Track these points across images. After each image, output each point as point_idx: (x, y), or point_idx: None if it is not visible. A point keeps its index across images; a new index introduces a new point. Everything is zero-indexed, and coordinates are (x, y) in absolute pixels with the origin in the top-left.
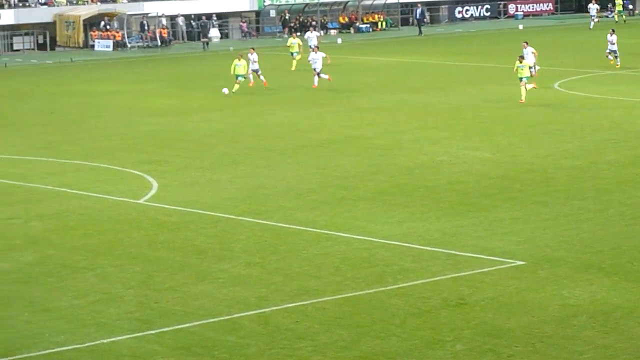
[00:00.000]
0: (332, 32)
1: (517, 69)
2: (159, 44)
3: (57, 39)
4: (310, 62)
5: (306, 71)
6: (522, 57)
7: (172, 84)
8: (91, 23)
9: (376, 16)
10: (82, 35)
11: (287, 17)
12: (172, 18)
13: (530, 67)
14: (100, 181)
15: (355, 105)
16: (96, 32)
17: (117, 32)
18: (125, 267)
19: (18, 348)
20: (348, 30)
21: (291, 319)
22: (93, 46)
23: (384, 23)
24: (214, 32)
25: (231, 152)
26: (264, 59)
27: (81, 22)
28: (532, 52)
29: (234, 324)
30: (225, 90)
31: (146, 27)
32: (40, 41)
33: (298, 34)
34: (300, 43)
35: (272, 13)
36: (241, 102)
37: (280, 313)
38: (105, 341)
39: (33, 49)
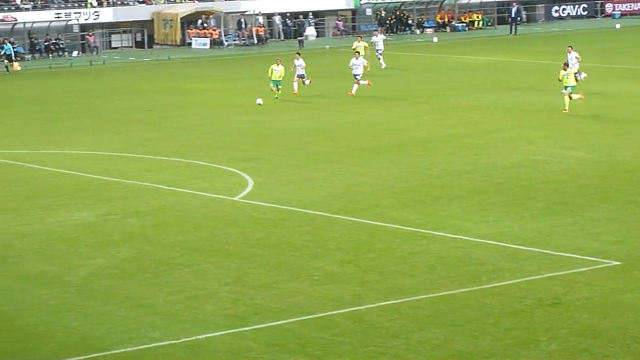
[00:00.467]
0: (429, 30)
1: (562, 78)
2: (255, 42)
3: (155, 36)
4: (352, 67)
5: (391, 73)
6: (566, 65)
7: (268, 82)
8: (189, 21)
9: (474, 15)
10: (179, 33)
11: (382, 15)
12: (269, 16)
13: (575, 73)
14: (197, 178)
15: (451, 104)
16: (193, 30)
17: (214, 30)
18: (221, 263)
19: (115, 343)
20: (444, 29)
21: (385, 317)
22: (190, 44)
23: (480, 22)
24: (310, 31)
25: (326, 150)
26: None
27: (179, 20)
28: (577, 57)
29: (328, 321)
30: (260, 101)
31: (243, 25)
32: (138, 39)
33: (361, 37)
34: (367, 45)
35: (368, 11)
36: (336, 100)
37: (375, 311)
38: (200, 337)
39: (131, 47)
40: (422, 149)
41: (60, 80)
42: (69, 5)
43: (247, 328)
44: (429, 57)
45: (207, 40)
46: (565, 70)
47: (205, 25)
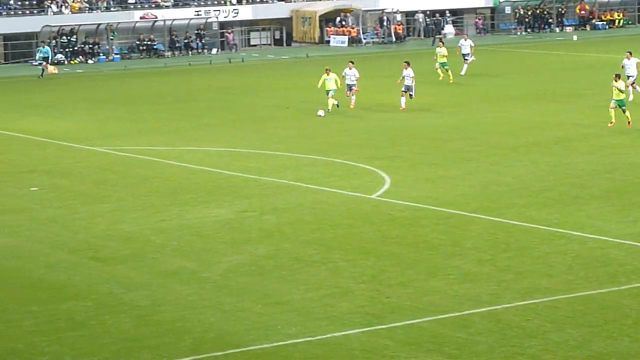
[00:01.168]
0: (568, 29)
1: (614, 90)
2: (394, 40)
3: (294, 34)
4: (404, 78)
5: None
6: (617, 76)
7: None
8: (327, 19)
9: (615, 14)
10: (317, 31)
11: (521, 13)
12: (408, 14)
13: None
14: (334, 176)
15: (591, 103)
16: (332, 28)
17: (353, 28)
18: (357, 261)
19: (251, 340)
20: (584, 28)
21: (522, 317)
22: (328, 42)
23: (621, 21)
24: (449, 29)
25: (463, 149)
26: (498, 55)
27: (317, 18)
28: (638, 63)
29: (465, 320)
30: (321, 113)
31: (385, 23)
32: (277, 37)
33: (442, 41)
34: (445, 54)
35: (507, 9)
36: (473, 98)
37: (511, 311)
38: (336, 335)
39: (269, 45)
40: (560, 148)
41: (199, 77)
42: (209, 3)
43: (383, 326)
44: (568, 55)
45: (346, 38)
46: (616, 81)
47: (343, 23)
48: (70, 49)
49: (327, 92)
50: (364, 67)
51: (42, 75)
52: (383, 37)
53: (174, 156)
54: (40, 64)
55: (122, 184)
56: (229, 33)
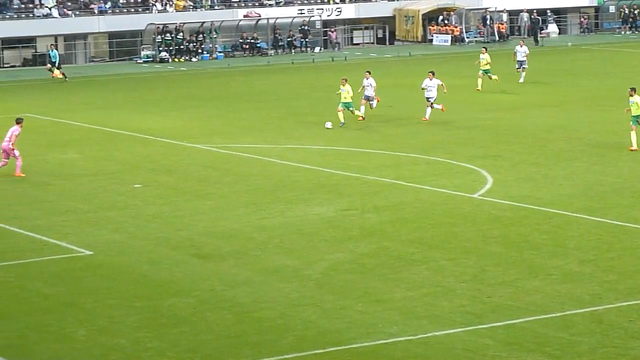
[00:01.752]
0: None
1: (631, 107)
2: (497, 39)
3: (396, 33)
4: (425, 88)
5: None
6: (633, 90)
7: (508, 78)
8: (430, 17)
9: None
10: (420, 29)
11: (626, 12)
12: (512, 13)
13: None
14: (436, 175)
15: None
16: (435, 27)
17: (456, 27)
18: (459, 260)
19: (352, 338)
20: None
21: (625, 317)
22: (431, 40)
23: None
24: (552, 28)
25: (566, 148)
26: (601, 55)
27: (420, 17)
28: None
29: (566, 321)
30: (329, 125)
31: (488, 22)
32: (380, 35)
33: (485, 47)
34: (488, 61)
35: (612, 8)
36: (576, 97)
37: (614, 311)
38: (437, 334)
39: (372, 43)
40: None
41: (302, 75)
42: (312, 1)
43: (484, 326)
44: None
45: (448, 37)
46: (631, 96)
47: (446, 21)
48: (175, 47)
49: (344, 105)
50: (467, 66)
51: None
52: (486, 36)
53: (276, 154)
54: (50, 69)
55: (225, 181)
56: (332, 31)
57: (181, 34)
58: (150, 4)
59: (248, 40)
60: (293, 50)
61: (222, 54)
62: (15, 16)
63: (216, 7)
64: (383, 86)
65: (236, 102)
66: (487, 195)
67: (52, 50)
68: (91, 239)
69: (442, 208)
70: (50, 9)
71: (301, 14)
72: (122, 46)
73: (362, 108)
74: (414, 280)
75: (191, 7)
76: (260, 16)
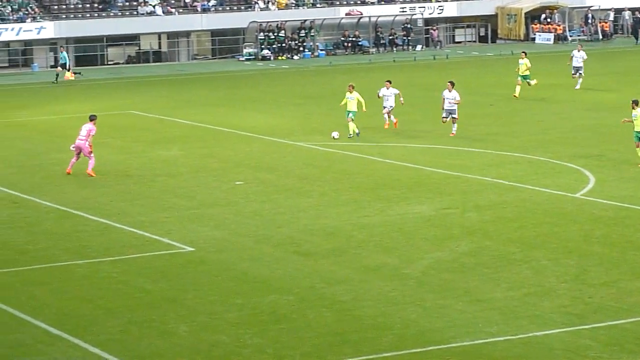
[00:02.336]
0: None
1: (633, 121)
2: (600, 37)
3: (498, 31)
4: (444, 99)
5: None
6: (635, 102)
7: (610, 78)
8: (532, 16)
9: None
10: (523, 28)
11: None
12: (617, 11)
13: None
14: (537, 174)
15: None
16: (537, 25)
17: (559, 26)
18: (560, 260)
19: (452, 337)
20: None
21: None
22: (534, 39)
23: None
24: None
25: None
26: None
27: (523, 15)
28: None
29: None
30: (335, 134)
31: (590, 21)
32: (482, 33)
33: (524, 52)
34: (528, 65)
35: None
36: None
37: None
38: (537, 334)
39: (474, 42)
40: None
41: (404, 74)
42: (414, 0)
43: (585, 326)
44: None
45: (551, 36)
46: (634, 109)
47: (549, 20)
48: (277, 45)
49: (347, 113)
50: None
51: (56, 80)
52: (589, 35)
53: (377, 152)
54: (59, 67)
55: (325, 179)
56: (434, 30)
57: (283, 31)
58: (253, 2)
59: (350, 39)
60: (395, 49)
61: (323, 52)
62: (120, 14)
63: (318, 5)
64: (484, 85)
65: (337, 100)
66: (589, 195)
67: (62, 53)
68: (193, 235)
69: (544, 207)
70: (154, 6)
71: (403, 12)
72: (225, 44)
73: (389, 117)
74: (515, 280)
75: (293, 5)
76: (362, 14)
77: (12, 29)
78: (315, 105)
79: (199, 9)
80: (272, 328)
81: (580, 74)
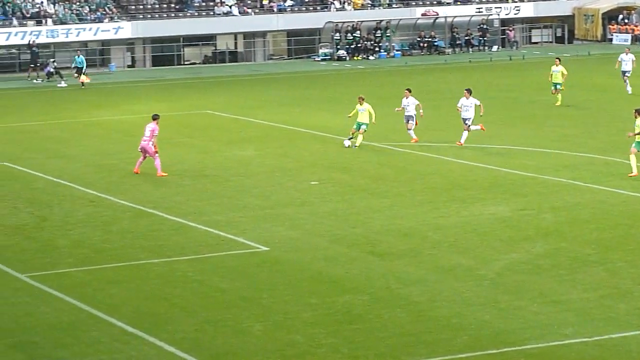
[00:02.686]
0: None
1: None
2: None
3: (575, 32)
4: (460, 109)
5: None
6: (638, 112)
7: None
8: (610, 16)
9: None
10: (600, 28)
11: None
12: None
13: None
14: (613, 175)
15: None
16: (614, 26)
17: (636, 26)
18: (636, 262)
19: (526, 338)
20: None
21: None
22: (611, 40)
23: None
24: None
25: None
26: None
27: (600, 16)
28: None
29: None
30: (347, 142)
31: None
32: (558, 34)
33: (558, 58)
34: (564, 72)
35: None
36: None
37: None
38: (613, 336)
39: (551, 42)
40: None
41: (479, 74)
42: (490, 0)
43: None
44: None
45: (629, 36)
46: (637, 117)
47: (626, 20)
48: (353, 46)
49: (359, 126)
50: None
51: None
52: None
53: (452, 153)
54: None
55: (400, 179)
56: (510, 30)
57: (359, 32)
58: (329, 2)
59: (426, 39)
60: (470, 49)
61: (399, 52)
62: (196, 14)
63: (394, 6)
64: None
65: None
66: None
67: (78, 57)
68: (268, 235)
69: (620, 209)
70: (230, 7)
71: (479, 12)
72: (300, 44)
73: (411, 131)
74: (591, 282)
75: (369, 5)
76: (438, 15)
77: (90, 29)
78: (390, 106)
79: (275, 9)
80: (346, 328)
81: (626, 76)
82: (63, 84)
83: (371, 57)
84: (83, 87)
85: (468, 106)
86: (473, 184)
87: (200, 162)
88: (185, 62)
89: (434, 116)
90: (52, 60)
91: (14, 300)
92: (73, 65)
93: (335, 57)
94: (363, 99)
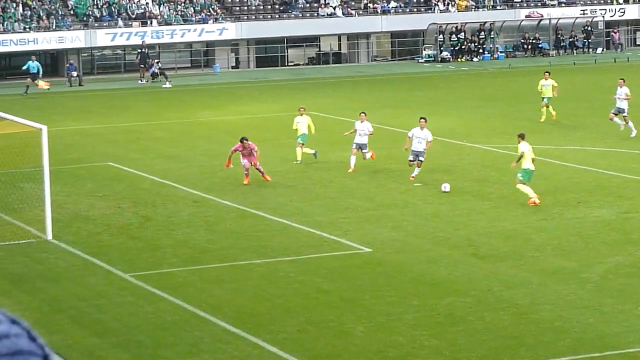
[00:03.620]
0: None
1: None
2: None
3: None
4: (410, 139)
5: None
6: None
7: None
8: None
9: None
10: None
11: None
12: None
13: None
14: None
15: None
16: None
17: None
18: None
19: (631, 342)
20: None
21: None
22: None
23: None
24: None
25: None
26: None
27: None
28: (627, 95)
29: None
30: (446, 187)
31: None
32: None
33: (548, 72)
34: (555, 85)
35: None
36: None
37: None
38: None
39: None
40: None
41: (584, 76)
42: (595, 2)
43: None
44: None
45: None
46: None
47: None
48: (457, 47)
49: (300, 137)
50: None
51: (26, 92)
52: None
53: (556, 155)
54: (32, 78)
55: (504, 181)
56: (615, 32)
57: (463, 33)
58: (433, 4)
59: (530, 41)
60: (575, 51)
61: (503, 54)
62: (300, 15)
63: (498, 7)
64: None
65: (517, 103)
66: None
67: (32, 62)
68: (370, 236)
69: None
70: (334, 8)
71: (584, 14)
72: (404, 45)
73: (353, 159)
74: None
75: (473, 6)
76: (542, 16)
77: (195, 30)
78: (494, 108)
79: (378, 10)
80: (449, 330)
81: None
82: (168, 85)
83: (475, 59)
84: (48, 90)
85: (421, 138)
86: (577, 186)
87: (304, 163)
88: (289, 64)
89: (537, 118)
90: (156, 61)
91: (118, 299)
92: (24, 68)
93: (439, 59)
94: (304, 110)
